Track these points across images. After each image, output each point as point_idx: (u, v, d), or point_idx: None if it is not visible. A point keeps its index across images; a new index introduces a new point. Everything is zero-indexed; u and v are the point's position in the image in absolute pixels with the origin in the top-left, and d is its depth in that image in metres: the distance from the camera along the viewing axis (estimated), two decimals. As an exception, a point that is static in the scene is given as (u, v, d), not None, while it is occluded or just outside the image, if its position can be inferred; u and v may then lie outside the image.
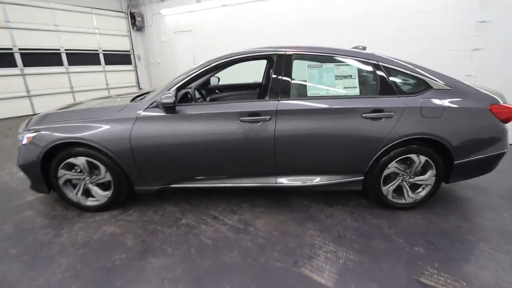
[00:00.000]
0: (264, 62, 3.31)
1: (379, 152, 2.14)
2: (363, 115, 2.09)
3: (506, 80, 3.95)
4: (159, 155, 2.17)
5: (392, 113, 2.09)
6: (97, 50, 7.80)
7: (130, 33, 8.63)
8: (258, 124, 2.11)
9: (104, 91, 8.07)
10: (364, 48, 2.67)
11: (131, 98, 2.54)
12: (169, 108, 2.10)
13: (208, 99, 3.28)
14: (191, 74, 2.22)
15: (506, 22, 3.90)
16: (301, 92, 2.25)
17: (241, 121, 2.11)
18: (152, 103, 2.17)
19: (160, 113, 2.14)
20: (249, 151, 2.18)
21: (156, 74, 9.17)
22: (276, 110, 2.11)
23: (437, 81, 2.17)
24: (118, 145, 2.12)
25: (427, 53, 4.59)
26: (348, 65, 2.23)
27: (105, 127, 2.13)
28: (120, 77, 8.52)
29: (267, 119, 2.10)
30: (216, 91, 3.62)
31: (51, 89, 6.95)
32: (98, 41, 7.78)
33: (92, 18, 7.60)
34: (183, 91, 2.52)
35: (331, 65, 2.23)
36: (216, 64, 2.25)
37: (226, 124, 2.13)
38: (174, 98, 2.02)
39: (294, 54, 2.22)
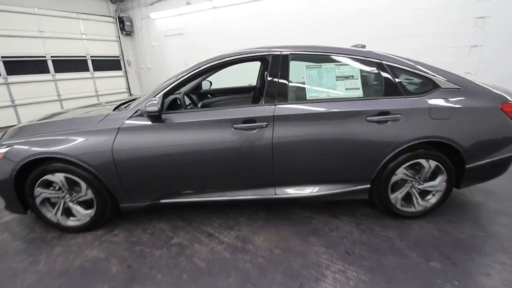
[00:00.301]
0: (258, 64, 3.14)
1: (386, 158, 1.97)
2: (368, 118, 1.92)
3: (506, 77, 3.84)
4: (145, 169, 1.96)
5: (399, 115, 1.92)
6: (85, 56, 7.53)
7: (119, 38, 8.39)
8: (254, 131, 1.93)
9: (93, 98, 7.80)
10: (364, 47, 2.52)
11: (115, 106, 2.33)
12: (155, 117, 1.89)
13: (199, 104, 3.09)
14: (179, 79, 2.03)
15: (505, 17, 3.80)
16: (300, 95, 2.08)
17: (235, 128, 1.92)
18: (136, 112, 1.97)
19: (145, 122, 1.94)
20: (245, 161, 1.99)
21: (147, 79, 8.94)
22: (273, 116, 1.93)
23: (445, 80, 2.02)
24: (99, 158, 1.91)
25: (424, 51, 4.48)
26: (349, 64, 2.06)
27: (84, 139, 1.92)
28: (109, 83, 8.25)
29: (264, 125, 1.92)
30: (208, 95, 3.44)
31: (37, 98, 6.66)
32: (85, 46, 7.52)
33: (78, 23, 7.34)
34: (171, 97, 2.33)
35: (331, 65, 2.06)
36: (207, 67, 2.06)
37: (218, 132, 1.94)
38: (159, 105, 1.82)
39: (290, 54, 2.05)
